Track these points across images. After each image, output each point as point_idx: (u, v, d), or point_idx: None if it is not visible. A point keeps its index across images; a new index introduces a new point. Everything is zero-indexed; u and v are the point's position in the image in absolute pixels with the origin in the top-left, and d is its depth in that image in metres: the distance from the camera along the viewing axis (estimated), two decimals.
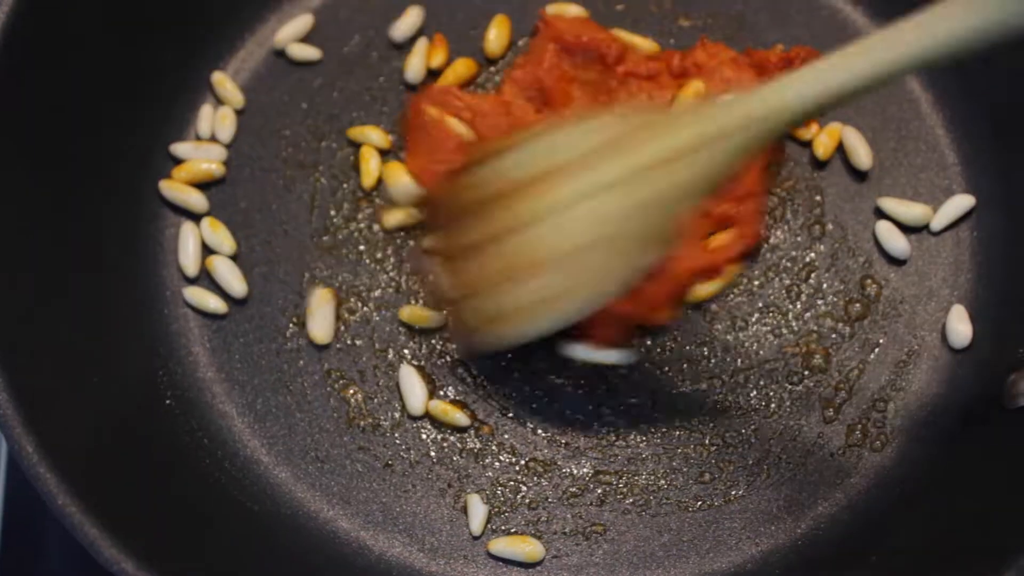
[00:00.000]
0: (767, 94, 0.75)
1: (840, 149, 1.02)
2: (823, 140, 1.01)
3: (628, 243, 0.79)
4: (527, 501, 0.92)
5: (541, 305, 0.81)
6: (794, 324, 0.96)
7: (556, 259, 0.80)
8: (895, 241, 0.99)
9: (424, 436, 0.93)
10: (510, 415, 0.94)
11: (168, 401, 0.93)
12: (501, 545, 0.90)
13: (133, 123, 0.99)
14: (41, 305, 0.88)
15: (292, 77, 1.04)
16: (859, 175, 1.01)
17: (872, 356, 0.96)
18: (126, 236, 0.97)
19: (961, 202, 1.00)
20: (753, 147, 0.77)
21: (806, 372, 0.95)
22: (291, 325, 0.96)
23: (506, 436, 0.93)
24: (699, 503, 0.92)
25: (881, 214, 1.00)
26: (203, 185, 1.00)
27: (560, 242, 0.79)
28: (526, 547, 0.90)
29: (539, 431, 0.93)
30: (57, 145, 0.93)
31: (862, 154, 1.01)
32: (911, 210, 0.99)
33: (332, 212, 1.00)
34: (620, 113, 0.85)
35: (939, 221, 1.00)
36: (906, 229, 0.99)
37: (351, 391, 0.95)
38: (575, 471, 0.92)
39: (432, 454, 0.93)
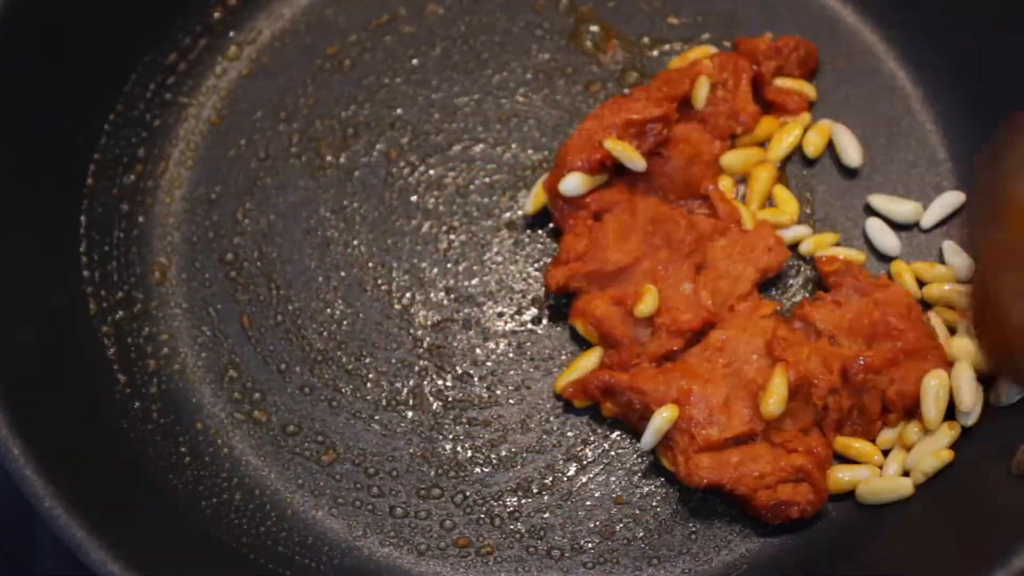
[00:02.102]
0: None
1: (830, 146, 1.02)
2: (813, 138, 1.01)
3: None
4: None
5: None
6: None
7: None
8: (886, 238, 0.98)
9: (413, 437, 0.93)
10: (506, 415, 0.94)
11: (156, 404, 0.93)
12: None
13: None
14: (27, 310, 0.87)
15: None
16: (849, 172, 1.01)
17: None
18: (105, 236, 0.98)
19: (951, 199, 1.00)
20: None
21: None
22: (277, 316, 0.96)
23: (499, 436, 0.93)
24: (691, 502, 0.92)
25: (871, 211, 1.00)
26: None
27: None
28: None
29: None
30: (41, 145, 0.93)
31: (852, 151, 1.01)
32: (901, 207, 0.99)
33: None
34: None
35: (929, 218, 0.99)
36: (896, 226, 0.99)
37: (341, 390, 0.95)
38: (557, 466, 0.93)
39: (420, 455, 0.93)
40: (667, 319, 0.91)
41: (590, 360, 0.94)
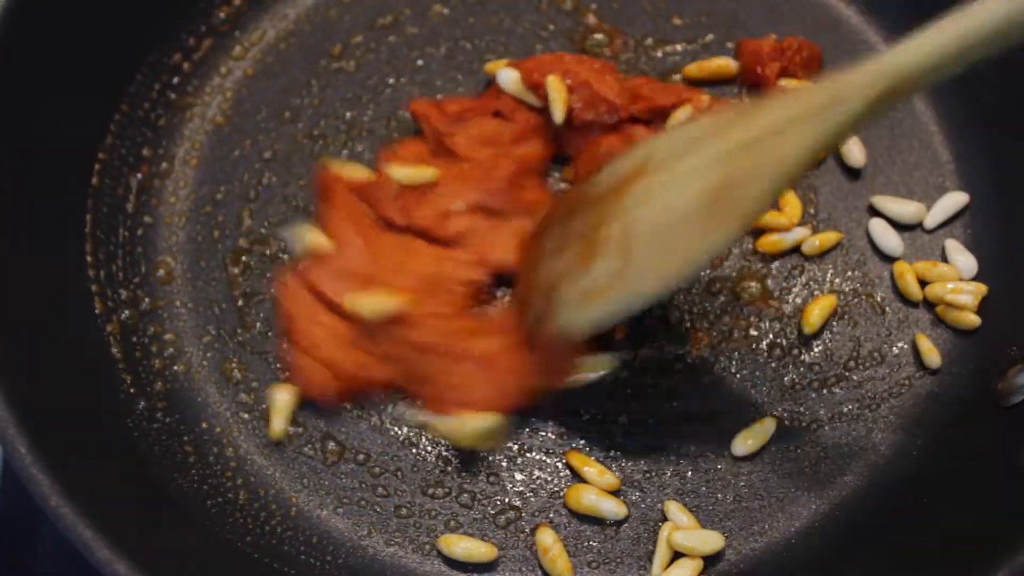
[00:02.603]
0: (886, 60, 0.73)
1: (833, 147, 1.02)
2: None
3: (699, 228, 0.77)
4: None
5: (615, 285, 0.81)
6: (791, 322, 0.97)
7: (620, 245, 0.81)
8: (888, 239, 0.99)
9: (417, 437, 0.93)
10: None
11: (161, 403, 0.93)
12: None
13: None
14: (32, 309, 0.88)
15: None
16: (852, 173, 1.02)
17: (866, 352, 0.96)
18: (111, 235, 0.98)
19: (954, 199, 1.00)
20: (860, 118, 0.74)
21: (799, 368, 0.95)
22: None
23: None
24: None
25: (874, 212, 1.00)
26: None
27: (626, 229, 0.80)
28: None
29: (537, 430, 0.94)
30: (46, 145, 0.93)
31: (855, 152, 1.01)
32: (904, 208, 0.99)
33: None
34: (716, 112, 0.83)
35: (932, 219, 1.00)
36: (899, 227, 1.00)
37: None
38: (559, 465, 0.93)
39: (425, 454, 0.93)
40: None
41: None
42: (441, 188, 0.96)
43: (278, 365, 0.95)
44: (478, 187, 0.96)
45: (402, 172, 0.96)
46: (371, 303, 0.91)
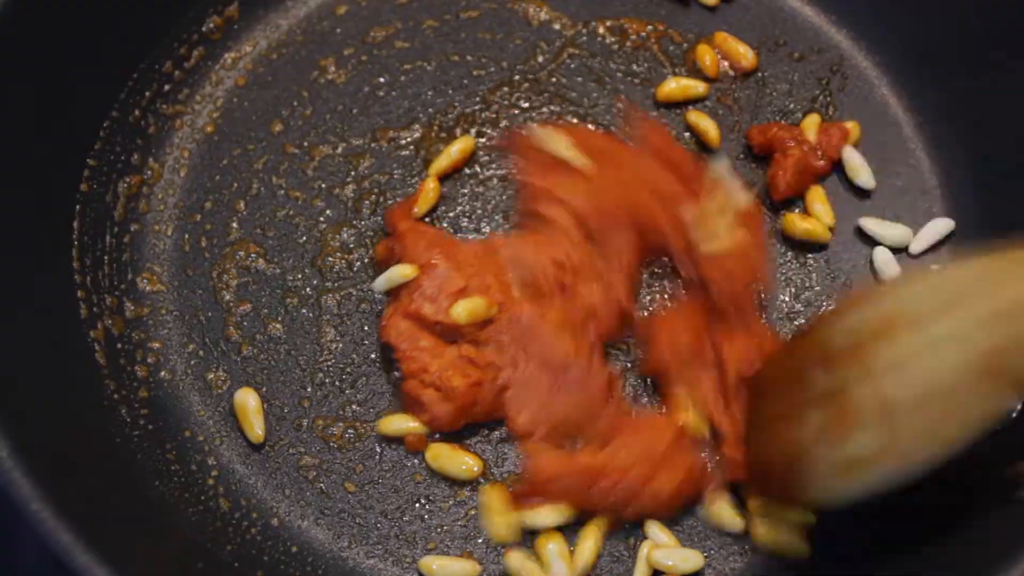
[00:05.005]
0: None
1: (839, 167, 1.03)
2: None
3: (970, 396, 0.74)
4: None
5: (881, 458, 0.78)
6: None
7: (880, 414, 0.77)
8: (877, 260, 0.99)
9: (395, 452, 0.93)
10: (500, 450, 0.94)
11: (144, 411, 0.93)
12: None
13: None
14: (17, 313, 0.88)
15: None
16: (842, 195, 1.02)
17: None
18: (98, 241, 0.98)
19: (941, 225, 1.00)
20: None
21: None
22: (268, 328, 0.97)
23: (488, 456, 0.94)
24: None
25: (862, 235, 1.01)
26: None
27: (885, 397, 0.76)
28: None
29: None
30: (36, 150, 0.93)
31: (864, 173, 1.02)
32: (891, 231, 1.00)
33: None
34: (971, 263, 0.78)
35: (918, 244, 1.00)
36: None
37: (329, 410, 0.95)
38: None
39: (406, 469, 0.93)
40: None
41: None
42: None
43: (390, 398, 0.95)
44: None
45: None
46: (470, 308, 0.91)
